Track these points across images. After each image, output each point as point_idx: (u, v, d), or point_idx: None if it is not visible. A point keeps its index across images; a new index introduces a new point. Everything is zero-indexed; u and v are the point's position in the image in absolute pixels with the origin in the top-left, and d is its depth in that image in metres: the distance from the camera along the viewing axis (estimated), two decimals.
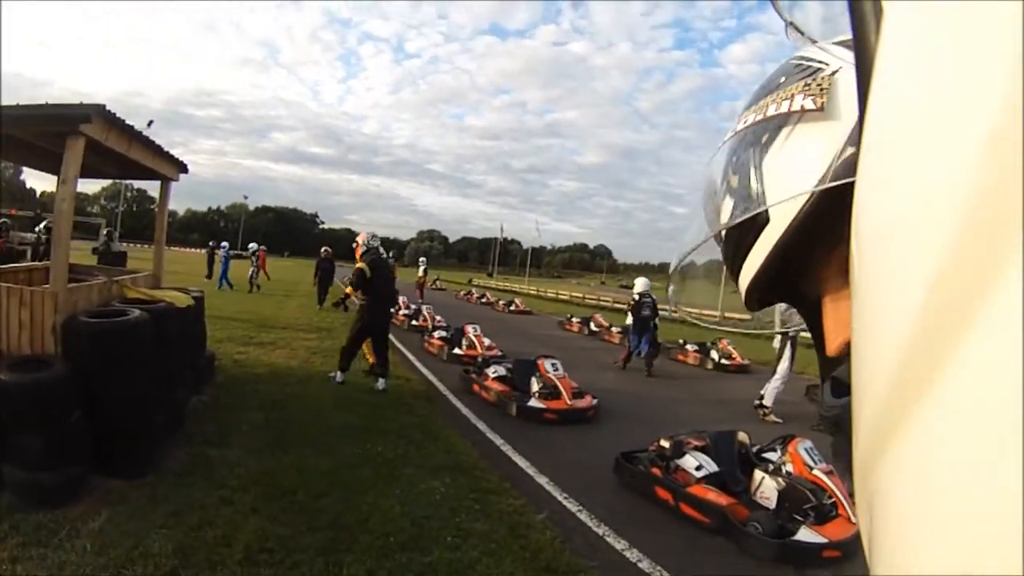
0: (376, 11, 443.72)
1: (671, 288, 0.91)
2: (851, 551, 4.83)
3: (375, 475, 5.36)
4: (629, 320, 14.33)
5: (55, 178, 5.74)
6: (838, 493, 5.23)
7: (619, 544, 4.73)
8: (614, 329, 19.88)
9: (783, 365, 10.64)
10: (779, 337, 10.62)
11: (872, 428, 0.32)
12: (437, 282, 47.16)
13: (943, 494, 0.25)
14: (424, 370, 11.57)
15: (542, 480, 6.03)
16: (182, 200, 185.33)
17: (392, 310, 10.98)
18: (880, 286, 0.32)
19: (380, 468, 5.56)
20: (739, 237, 0.69)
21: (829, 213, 0.59)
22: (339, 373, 9.17)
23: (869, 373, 0.33)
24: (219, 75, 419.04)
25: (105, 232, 23.37)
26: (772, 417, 10.46)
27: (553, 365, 9.23)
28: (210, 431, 5.97)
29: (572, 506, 5.43)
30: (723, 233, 0.73)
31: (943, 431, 0.26)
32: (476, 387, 9.64)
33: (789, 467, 5.53)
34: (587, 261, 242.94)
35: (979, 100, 0.24)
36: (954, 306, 0.25)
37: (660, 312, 13.37)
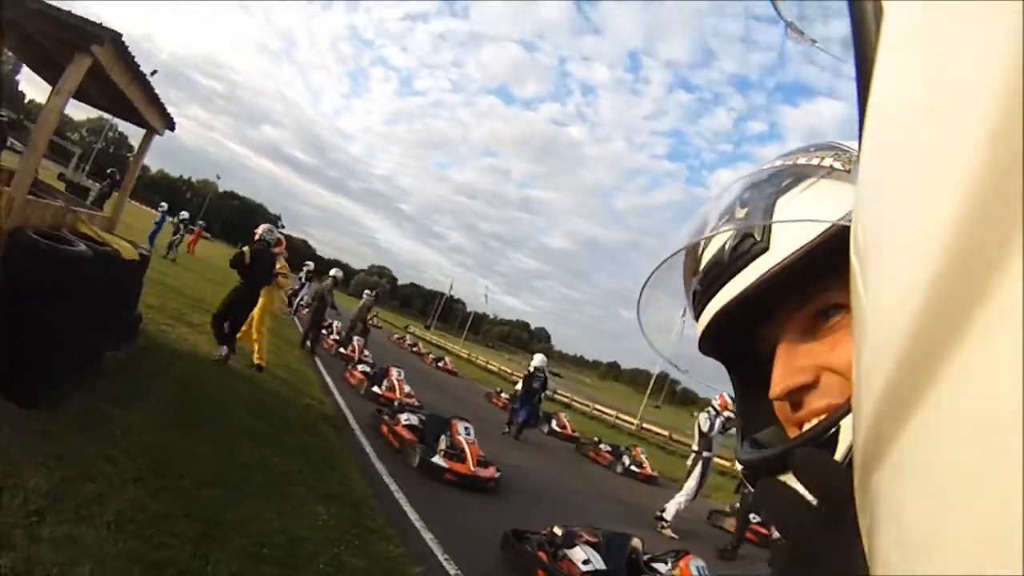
0: (398, 40, 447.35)
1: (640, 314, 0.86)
2: None
3: (265, 484, 5.20)
4: (519, 386, 15.67)
5: (48, 89, 5.63)
6: None
7: None
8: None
9: (691, 483, 10.77)
10: (693, 455, 10.78)
11: (872, 429, 0.32)
12: (375, 319, 46.89)
13: (943, 494, 0.25)
14: (340, 399, 11.46)
15: (427, 536, 5.91)
16: (157, 159, 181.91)
17: (324, 332, 11.98)
18: (880, 287, 0.33)
19: (272, 479, 5.40)
20: (725, 263, 0.70)
21: (824, 262, 0.60)
22: (224, 348, 9.37)
23: (869, 373, 0.33)
24: (234, 51, 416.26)
25: (109, 173, 22.35)
26: (668, 531, 10.52)
27: (466, 429, 9.18)
28: (118, 389, 5.72)
29: (451, 568, 5.33)
30: (702, 261, 0.75)
31: (943, 431, 0.26)
32: (385, 428, 9.52)
33: None
34: (524, 339, 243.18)
35: (979, 100, 0.24)
36: (954, 307, 0.25)
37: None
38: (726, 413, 10.60)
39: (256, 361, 10.11)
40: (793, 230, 0.64)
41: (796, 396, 0.67)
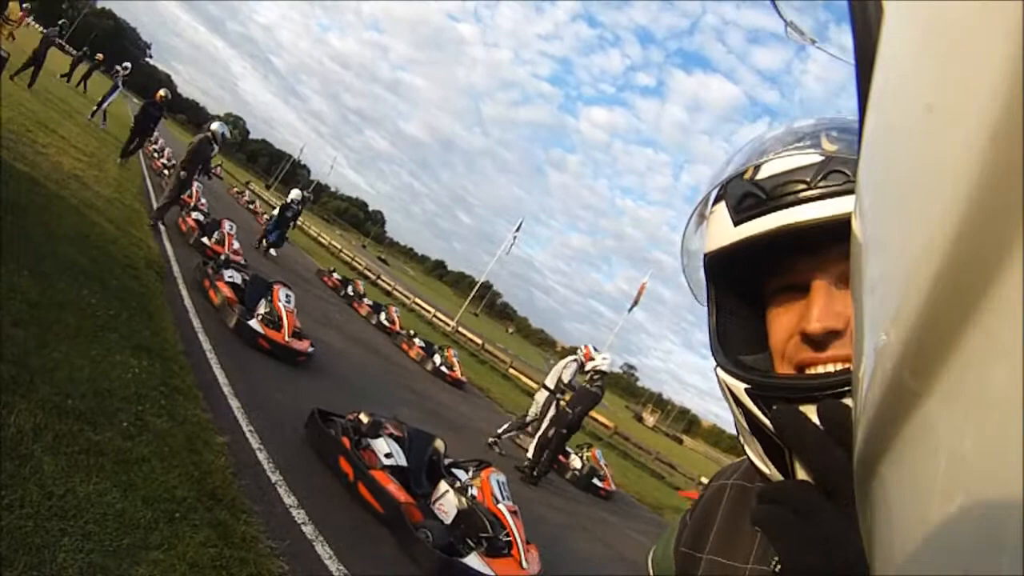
0: None
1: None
2: None
3: (78, 327, 4.85)
4: (275, 212, 19.54)
5: None
6: (516, 534, 5.35)
7: (288, 499, 4.61)
8: (366, 301, 19.40)
9: (546, 423, 10.95)
10: (547, 395, 11.18)
11: (872, 427, 0.33)
12: (219, 168, 44.73)
13: (943, 494, 0.25)
14: (168, 244, 10.99)
15: (234, 403, 5.79)
16: None
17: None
18: (879, 284, 0.33)
19: (85, 321, 5.05)
20: (807, 184, 0.72)
21: None
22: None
23: (869, 372, 0.33)
24: None
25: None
26: (497, 448, 10.97)
27: (287, 296, 8.96)
28: None
29: (254, 441, 5.24)
30: (761, 170, 0.77)
31: (943, 430, 0.26)
32: (207, 283, 9.17)
33: (475, 491, 5.58)
34: (359, 219, 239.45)
35: (979, 100, 0.23)
36: (954, 306, 0.25)
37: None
38: (589, 364, 10.93)
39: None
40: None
41: (827, 338, 0.71)
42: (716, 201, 0.84)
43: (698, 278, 0.90)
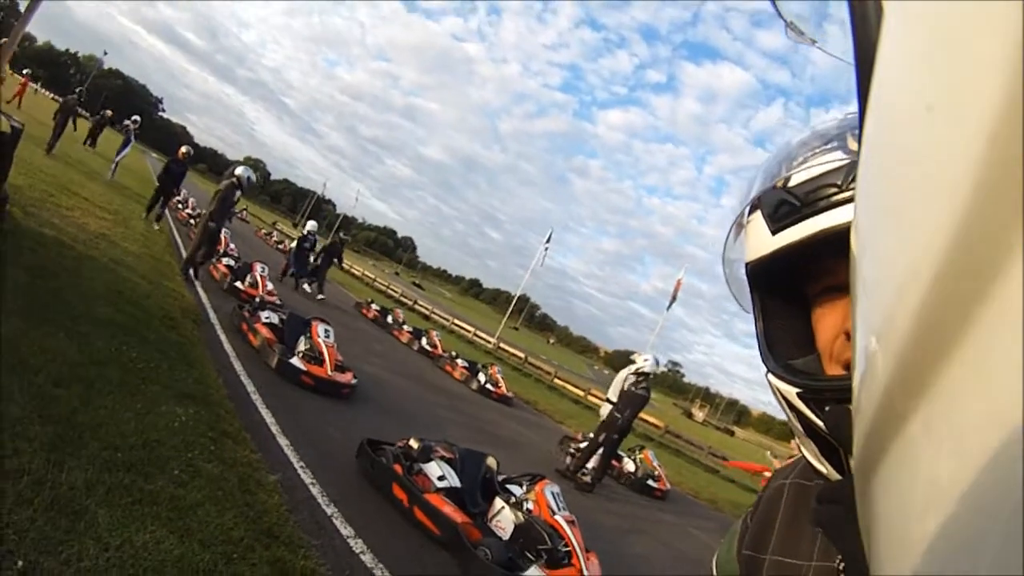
0: None
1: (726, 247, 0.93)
2: None
3: (121, 381, 4.89)
4: (294, 244, 20.23)
5: None
6: (575, 544, 5.32)
7: (345, 530, 4.62)
8: (405, 328, 19.42)
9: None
10: (609, 407, 10.97)
11: (872, 430, 0.33)
12: (245, 211, 45.39)
13: (943, 494, 0.25)
14: (202, 293, 11.10)
15: (283, 441, 5.82)
16: (44, 30, 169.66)
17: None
18: (880, 285, 0.33)
19: (128, 376, 5.10)
20: (839, 190, 0.72)
21: None
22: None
23: (869, 373, 0.34)
24: None
25: None
26: (587, 478, 10.77)
27: (326, 331, 8.97)
28: None
29: (306, 477, 5.26)
30: (793, 177, 0.77)
31: (943, 431, 0.26)
32: (244, 327, 9.29)
33: (531, 505, 5.56)
34: (389, 247, 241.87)
35: (979, 100, 0.24)
36: (954, 305, 0.25)
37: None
38: (633, 367, 10.74)
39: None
40: None
41: None
42: (752, 211, 0.84)
43: (741, 287, 0.91)
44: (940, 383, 0.26)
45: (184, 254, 11.93)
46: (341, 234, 17.70)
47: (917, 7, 0.29)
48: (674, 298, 29.53)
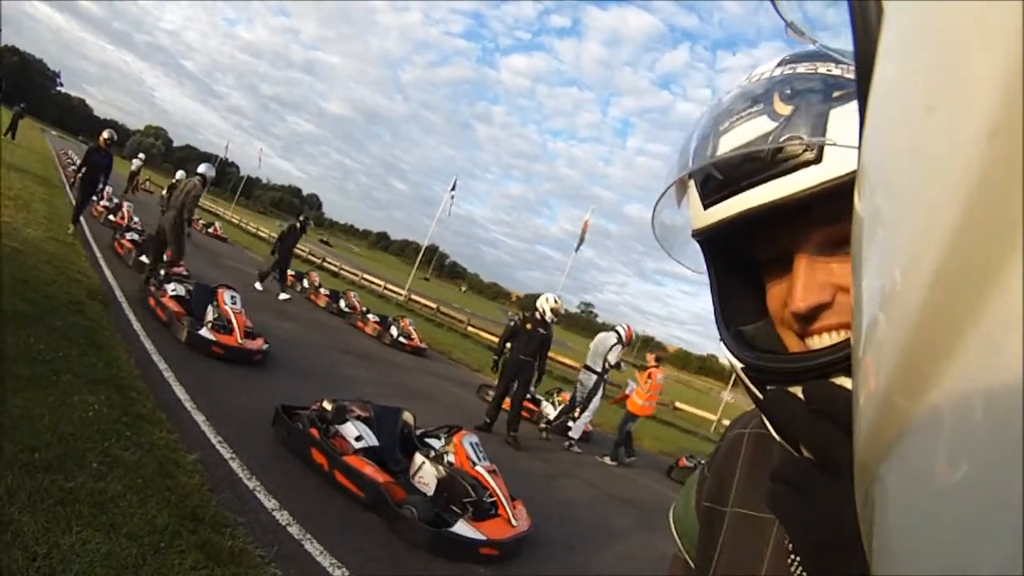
0: None
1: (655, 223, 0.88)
2: (509, 551, 5.13)
3: (32, 376, 4.83)
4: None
5: None
6: (499, 493, 5.46)
7: (269, 503, 4.67)
8: (322, 291, 18.93)
9: (595, 403, 11.18)
10: (595, 378, 11.10)
11: (872, 427, 0.32)
12: (147, 183, 43.63)
13: (944, 494, 0.25)
14: (107, 270, 10.88)
15: (199, 417, 5.81)
16: None
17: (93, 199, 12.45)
18: (880, 283, 0.33)
19: (37, 368, 5.02)
20: (764, 160, 0.68)
21: None
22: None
23: (869, 372, 0.33)
24: None
25: None
26: (576, 448, 11.07)
27: (232, 298, 8.94)
28: None
29: (225, 452, 5.28)
30: (720, 145, 0.73)
31: (944, 430, 0.26)
32: (152, 301, 9.14)
33: (451, 458, 5.69)
34: (295, 206, 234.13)
35: (980, 99, 0.24)
36: (954, 306, 0.25)
37: None
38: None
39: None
40: (849, 149, 0.62)
41: (814, 312, 0.69)
42: (690, 176, 0.80)
43: (674, 242, 0.89)
44: (937, 393, 0.26)
45: (103, 266, 11.07)
46: (302, 217, 16.61)
47: (917, 7, 0.30)
48: (582, 239, 29.69)
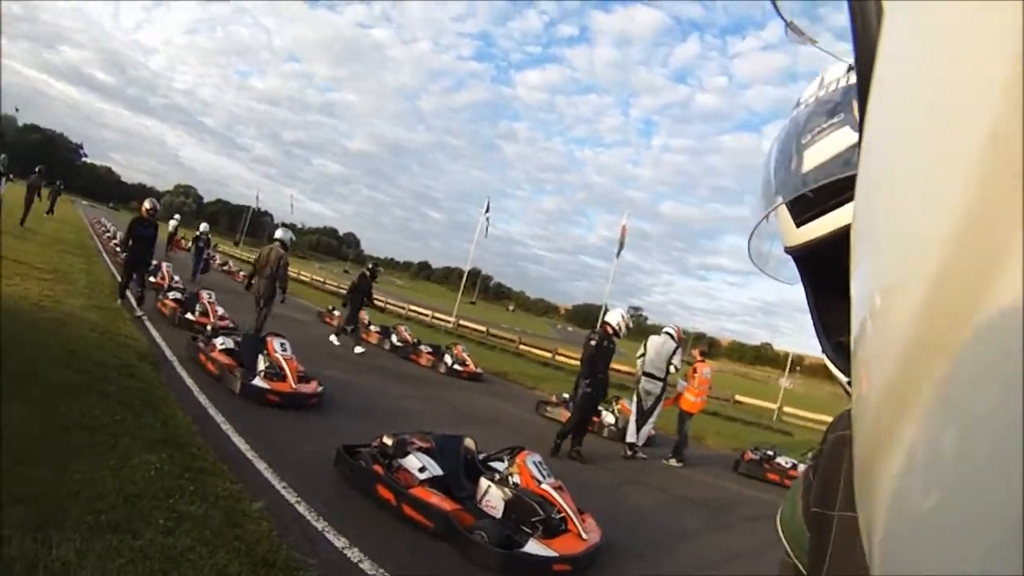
0: None
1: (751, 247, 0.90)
2: (582, 566, 5.05)
3: (90, 442, 4.86)
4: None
5: None
6: (567, 508, 5.41)
7: (339, 542, 4.65)
8: (373, 329, 18.84)
9: (658, 408, 11.03)
10: (659, 384, 10.93)
11: (873, 429, 0.33)
12: (183, 241, 44.68)
13: (943, 494, 0.25)
14: (154, 332, 10.97)
15: (261, 465, 5.81)
16: None
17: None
18: (880, 285, 0.33)
19: (95, 435, 5.05)
20: (853, 180, 0.68)
21: None
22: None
23: (870, 372, 0.33)
24: None
25: None
26: (641, 454, 10.94)
27: (282, 345, 8.99)
28: None
29: (291, 496, 5.27)
30: (804, 163, 0.74)
31: (943, 431, 0.26)
32: (202, 357, 9.20)
33: (516, 478, 5.66)
34: (334, 247, 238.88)
35: (979, 99, 0.24)
36: (954, 305, 0.25)
37: None
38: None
39: None
40: None
41: None
42: (777, 194, 0.81)
43: (769, 259, 0.91)
44: (937, 393, 0.26)
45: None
46: (370, 265, 16.96)
47: (917, 7, 0.30)
48: (622, 244, 29.67)
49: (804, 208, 0.75)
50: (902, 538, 0.29)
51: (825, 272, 0.80)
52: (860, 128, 0.36)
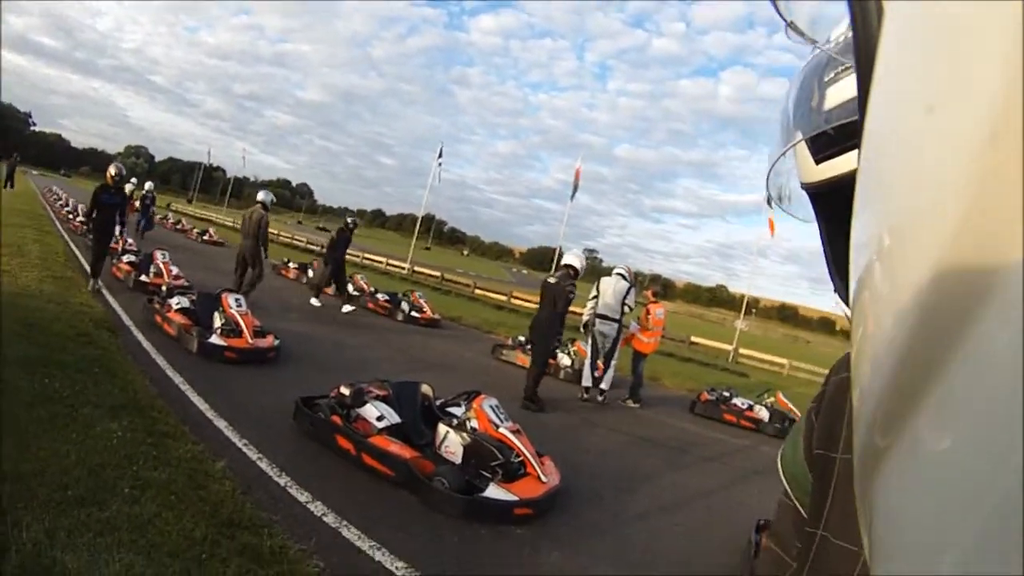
0: None
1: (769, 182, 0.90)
2: (542, 509, 5.17)
3: (52, 415, 4.88)
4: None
5: None
6: (526, 452, 5.53)
7: (302, 496, 4.74)
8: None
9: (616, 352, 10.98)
10: (615, 325, 10.82)
11: (873, 429, 0.32)
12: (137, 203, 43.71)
13: (943, 494, 0.26)
14: (109, 297, 10.88)
15: (221, 424, 5.89)
16: None
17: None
18: (880, 284, 0.33)
19: (56, 407, 5.07)
20: None
21: None
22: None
23: (869, 372, 0.33)
24: None
25: None
26: (600, 398, 10.93)
27: (236, 301, 9.03)
28: None
29: (252, 454, 5.35)
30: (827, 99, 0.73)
31: (943, 431, 0.26)
32: (158, 318, 9.18)
33: (474, 423, 5.74)
34: (287, 198, 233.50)
35: (979, 99, 0.24)
36: (954, 304, 0.25)
37: None
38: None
39: None
40: None
41: None
42: (795, 128, 0.80)
43: (790, 194, 0.90)
44: (936, 393, 0.26)
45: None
46: (348, 219, 16.49)
47: (917, 7, 0.30)
48: (576, 187, 29.56)
49: (824, 145, 0.75)
50: (901, 540, 0.29)
51: (841, 210, 0.77)
52: (860, 129, 0.37)
